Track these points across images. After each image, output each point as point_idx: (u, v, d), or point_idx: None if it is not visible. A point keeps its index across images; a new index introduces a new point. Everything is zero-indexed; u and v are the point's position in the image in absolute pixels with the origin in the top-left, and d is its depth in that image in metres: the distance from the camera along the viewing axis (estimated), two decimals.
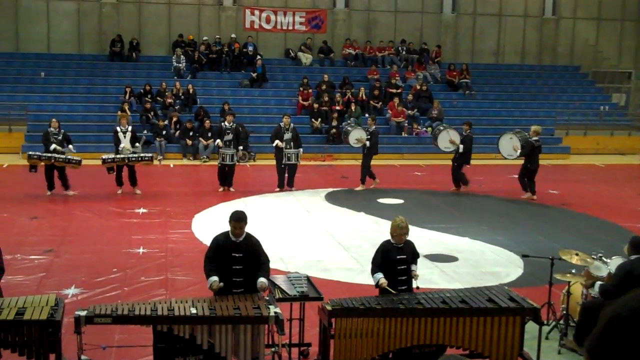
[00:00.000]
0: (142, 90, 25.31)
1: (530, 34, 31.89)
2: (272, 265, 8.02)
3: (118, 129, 17.21)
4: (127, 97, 24.71)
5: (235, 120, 20.67)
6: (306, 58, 29.12)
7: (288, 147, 17.82)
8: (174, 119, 23.82)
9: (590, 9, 32.29)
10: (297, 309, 8.06)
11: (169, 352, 7.18)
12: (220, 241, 7.78)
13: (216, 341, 7.13)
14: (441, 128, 19.82)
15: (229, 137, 17.81)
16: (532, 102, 28.80)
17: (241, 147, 18.83)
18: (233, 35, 28.67)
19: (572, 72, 31.98)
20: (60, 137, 16.68)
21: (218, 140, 17.98)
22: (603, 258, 9.03)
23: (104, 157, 16.98)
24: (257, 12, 29.39)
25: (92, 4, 28.29)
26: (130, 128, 17.29)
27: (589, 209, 16.76)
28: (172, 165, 22.09)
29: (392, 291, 7.92)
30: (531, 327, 8.00)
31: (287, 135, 17.87)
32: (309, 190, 18.20)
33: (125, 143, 16.96)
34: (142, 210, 15.44)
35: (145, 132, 23.78)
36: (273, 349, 7.64)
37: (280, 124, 18.19)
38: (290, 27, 29.64)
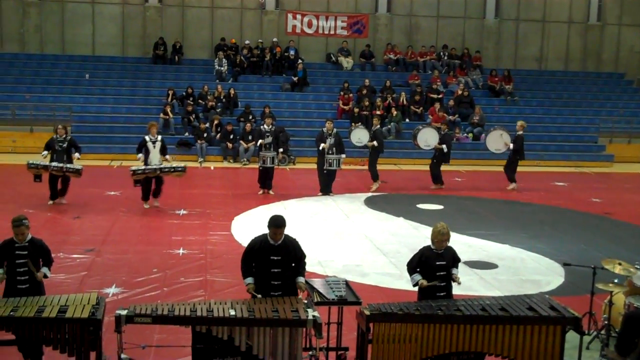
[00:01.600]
0: (184, 93, 25.53)
1: (574, 40, 31.50)
2: (310, 269, 8.06)
3: (147, 138, 15.93)
4: (169, 99, 24.96)
5: (276, 124, 20.82)
6: (347, 62, 29.13)
7: (330, 152, 17.78)
8: (215, 122, 23.98)
9: (636, 16, 31.78)
10: (335, 313, 8.06)
11: (207, 352, 7.23)
12: (259, 244, 7.80)
13: (254, 343, 7.15)
14: (420, 127, 20.77)
15: (269, 139, 17.85)
16: (576, 109, 28.44)
17: (281, 150, 18.76)
18: (275, 39, 28.79)
19: (617, 79, 31.51)
20: (65, 145, 15.67)
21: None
22: None
23: (133, 168, 15.75)
24: (299, 17, 29.48)
25: (136, 7, 28.64)
26: (159, 137, 16.16)
27: (633, 218, 16.48)
28: (212, 168, 22.25)
29: (435, 283, 7.88)
30: (572, 337, 7.90)
31: (330, 141, 17.82)
32: (348, 195, 18.18)
33: (154, 153, 15.82)
34: (182, 211, 15.58)
35: (186, 134, 24.01)
36: (310, 353, 7.65)
37: (323, 129, 18.17)
38: (332, 32, 29.68)
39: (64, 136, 15.80)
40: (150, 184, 15.83)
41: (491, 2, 30.75)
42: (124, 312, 7.12)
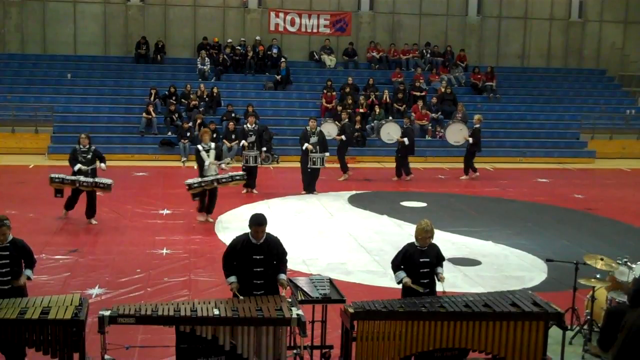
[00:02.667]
0: (166, 92, 25.44)
1: (556, 37, 31.64)
2: (294, 267, 8.08)
3: (200, 147, 14.70)
4: (152, 98, 24.86)
5: (259, 123, 20.78)
6: (330, 60, 29.13)
7: (314, 151, 17.80)
8: (198, 121, 23.91)
9: (617, 12, 31.98)
10: (320, 311, 8.07)
11: (191, 352, 7.22)
12: (240, 243, 7.80)
13: (238, 342, 7.15)
14: (383, 122, 21.65)
15: (252, 138, 17.87)
16: (558, 106, 28.58)
17: (264, 149, 18.72)
18: (258, 38, 28.75)
19: (598, 76, 31.69)
20: (89, 156, 14.11)
21: (243, 142, 17.98)
22: (628, 263, 8.95)
23: (188, 181, 14.50)
24: (281, 15, 29.45)
25: (118, 6, 28.50)
26: (213, 145, 14.87)
27: (615, 214, 16.60)
28: (195, 167, 22.02)
29: (418, 287, 7.91)
30: (555, 332, 7.94)
31: (314, 139, 17.84)
32: (332, 193, 18.19)
33: (210, 161, 14.63)
34: (165, 211, 15.53)
35: (169, 133, 23.93)
36: (295, 351, 7.65)
37: (307, 127, 18.17)
38: (315, 30, 29.67)
39: (88, 146, 14.19)
40: (205, 195, 14.67)
41: (473, 0, 30.83)
42: (107, 313, 7.10)
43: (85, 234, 13.54)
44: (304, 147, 17.88)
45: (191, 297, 10.04)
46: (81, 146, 14.12)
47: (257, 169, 18.03)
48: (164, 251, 12.51)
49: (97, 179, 14.03)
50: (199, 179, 14.51)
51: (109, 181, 14.16)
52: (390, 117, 23.83)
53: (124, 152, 23.17)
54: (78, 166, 13.98)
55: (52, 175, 14.23)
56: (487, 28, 31.17)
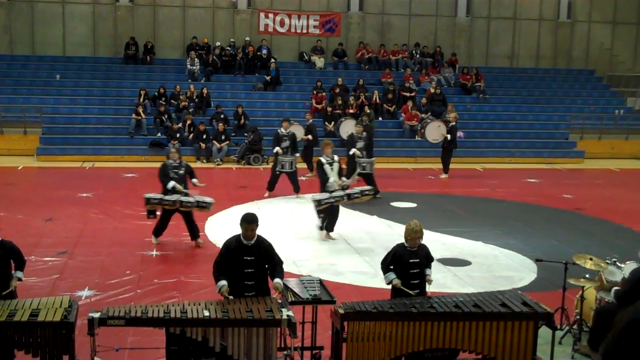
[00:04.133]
0: (156, 93, 25.39)
1: (545, 37, 31.75)
2: (285, 268, 8.04)
3: (323, 159, 13.52)
4: (141, 99, 24.80)
5: (250, 123, 20.74)
6: (320, 61, 29.14)
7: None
8: (188, 122, 23.88)
9: (606, 13, 32.13)
10: (310, 312, 8.07)
11: (181, 354, 7.20)
12: (232, 245, 7.79)
13: (228, 344, 7.15)
14: (342, 119, 21.98)
15: (286, 143, 17.56)
16: (547, 106, 28.67)
17: (297, 154, 18.18)
18: (247, 39, 28.72)
19: (587, 76, 31.81)
20: (181, 172, 12.83)
21: (277, 148, 17.49)
22: (617, 263, 9.00)
23: (317, 197, 13.36)
24: (271, 16, 29.43)
25: (107, 7, 28.42)
26: (336, 158, 13.68)
27: (604, 214, 16.66)
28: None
29: (407, 290, 7.92)
30: (544, 332, 7.96)
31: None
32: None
33: (334, 177, 13.43)
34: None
35: (159, 134, 23.88)
36: (285, 352, 7.65)
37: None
38: (304, 31, 29.66)
39: (179, 160, 12.96)
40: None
41: (462, 0, 30.90)
42: (97, 315, 7.08)
43: (75, 236, 13.47)
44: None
45: (181, 298, 10.02)
46: (171, 161, 12.81)
47: (295, 173, 17.71)
48: (154, 253, 12.48)
49: (198, 198, 12.74)
50: (328, 195, 13.25)
51: (210, 199, 12.87)
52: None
53: (113, 153, 23.12)
54: (172, 184, 12.59)
55: (149, 196, 12.78)
56: (476, 28, 31.26)
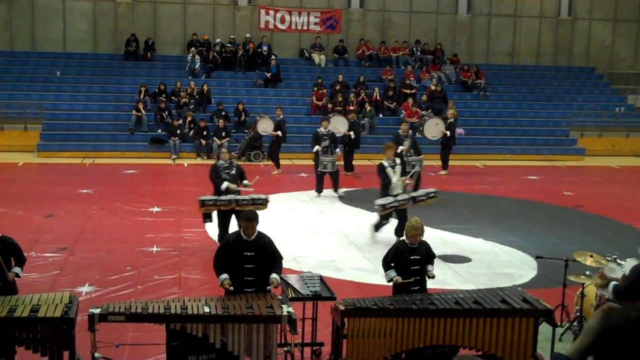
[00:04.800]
0: (156, 90, 25.38)
1: (545, 35, 31.73)
2: (285, 264, 8.05)
3: (385, 162, 13.10)
4: (141, 96, 24.79)
5: (250, 120, 20.69)
6: (320, 58, 29.12)
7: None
8: (188, 119, 23.87)
9: (606, 10, 32.11)
10: (310, 308, 8.08)
11: (181, 350, 7.20)
12: (232, 240, 7.80)
13: (229, 340, 7.15)
14: (330, 115, 21.83)
15: (326, 143, 17.41)
16: (547, 104, 28.66)
17: (337, 150, 17.97)
18: (248, 35, 28.70)
19: (588, 74, 31.79)
20: (233, 172, 12.49)
21: (317, 147, 17.36)
22: (617, 260, 8.99)
23: (381, 202, 12.85)
24: (271, 12, 29.40)
25: (107, 3, 28.40)
26: (398, 161, 13.31)
27: (604, 211, 16.66)
28: (186, 165, 22.16)
29: (408, 281, 7.91)
30: (545, 329, 7.96)
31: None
32: (323, 191, 18.15)
33: (396, 178, 13.02)
34: (156, 209, 15.49)
35: (159, 131, 23.88)
36: (285, 349, 7.65)
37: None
38: (305, 27, 29.63)
39: (229, 160, 12.71)
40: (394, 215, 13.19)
41: None
42: (97, 311, 7.08)
43: (75, 232, 13.48)
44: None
45: (181, 294, 10.03)
46: (222, 161, 12.59)
47: (337, 172, 17.63)
48: (154, 249, 12.48)
49: (253, 196, 12.45)
50: (392, 199, 12.79)
51: (264, 196, 12.58)
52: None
53: (113, 150, 23.12)
54: (226, 184, 12.30)
55: (203, 198, 12.39)
56: (477, 26, 31.23)
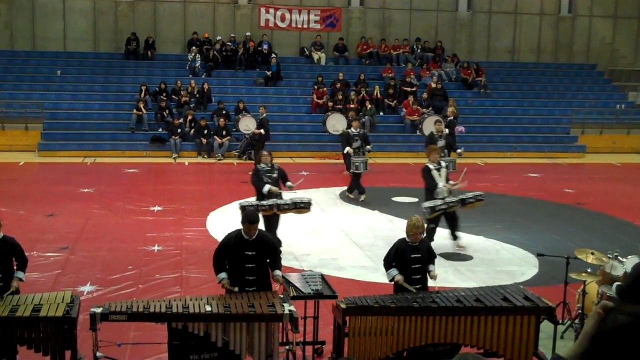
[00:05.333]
0: (157, 89, 25.38)
1: (546, 32, 31.71)
2: (287, 263, 8.07)
3: (430, 165, 12.74)
4: (142, 95, 24.79)
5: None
6: (320, 57, 29.10)
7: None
8: (189, 117, 23.87)
9: (607, 7, 32.09)
10: (312, 307, 8.08)
11: (183, 349, 7.21)
12: (232, 240, 7.80)
13: (231, 339, 7.15)
14: (329, 113, 22.11)
15: (357, 143, 17.17)
16: (548, 101, 28.64)
17: (369, 147, 17.55)
18: (248, 34, 28.67)
19: (588, 71, 31.77)
20: (275, 175, 12.21)
21: (348, 148, 17.19)
22: (619, 257, 8.99)
23: (429, 204, 12.43)
24: (272, 11, 29.38)
25: (107, 2, 28.38)
26: (443, 164, 13.03)
27: (605, 208, 16.66)
28: (186, 163, 22.16)
29: (410, 287, 7.92)
30: (546, 326, 7.97)
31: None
32: (323, 189, 18.19)
33: (442, 182, 12.66)
34: (157, 208, 15.50)
35: (160, 130, 23.88)
36: (287, 347, 7.66)
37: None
38: (305, 26, 29.61)
39: (271, 164, 12.37)
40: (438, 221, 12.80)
41: None
42: (99, 310, 7.09)
43: (76, 231, 13.48)
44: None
45: (183, 293, 10.04)
46: (263, 165, 12.25)
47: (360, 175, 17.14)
48: (156, 248, 12.49)
49: (295, 199, 12.22)
50: (441, 201, 12.46)
51: (307, 199, 12.40)
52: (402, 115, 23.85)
53: (114, 149, 23.12)
54: (268, 187, 11.94)
55: (244, 203, 12.12)
56: (477, 23, 31.21)
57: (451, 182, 12.80)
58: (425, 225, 12.46)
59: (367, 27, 30.28)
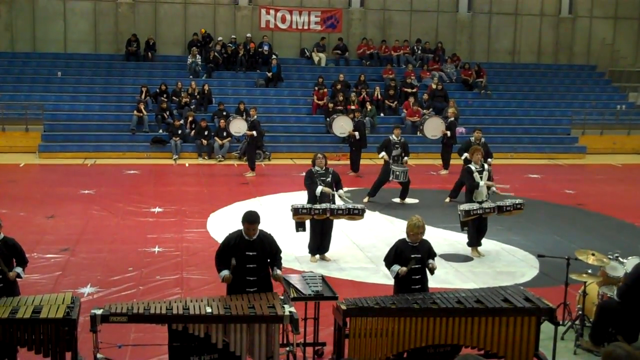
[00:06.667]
0: (157, 90, 25.38)
1: (546, 33, 31.72)
2: (286, 264, 8.07)
3: (472, 167, 12.66)
4: (143, 96, 24.79)
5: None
6: (320, 58, 29.09)
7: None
8: (190, 119, 23.87)
9: (607, 8, 32.09)
10: (312, 308, 8.08)
11: (184, 350, 7.21)
12: (233, 240, 7.79)
13: (231, 340, 7.15)
14: (335, 116, 22.37)
15: (397, 151, 16.66)
16: (548, 102, 28.64)
17: (406, 158, 16.95)
18: (248, 35, 28.68)
19: (589, 72, 31.77)
20: (329, 179, 11.94)
21: (382, 154, 16.78)
22: (619, 258, 8.99)
23: (466, 207, 12.33)
24: (272, 12, 29.39)
25: (108, 3, 28.40)
26: (486, 166, 12.89)
27: (606, 209, 16.64)
28: (187, 165, 22.14)
29: (413, 266, 7.90)
30: (547, 328, 7.96)
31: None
32: None
33: (483, 185, 12.55)
34: (157, 209, 15.49)
35: (160, 131, 23.88)
36: (288, 348, 7.66)
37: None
38: (306, 27, 29.61)
39: (325, 167, 12.05)
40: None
41: None
42: (99, 312, 7.08)
43: (77, 232, 13.48)
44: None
45: (183, 295, 10.04)
46: (318, 168, 11.95)
47: (409, 183, 16.70)
48: (156, 249, 12.48)
49: (350, 205, 11.99)
50: (478, 206, 12.31)
51: (361, 206, 12.19)
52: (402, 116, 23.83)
53: (115, 150, 23.12)
54: (320, 188, 11.75)
55: (297, 206, 11.87)
56: (478, 24, 31.22)
57: (494, 186, 12.79)
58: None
59: (368, 28, 30.30)
